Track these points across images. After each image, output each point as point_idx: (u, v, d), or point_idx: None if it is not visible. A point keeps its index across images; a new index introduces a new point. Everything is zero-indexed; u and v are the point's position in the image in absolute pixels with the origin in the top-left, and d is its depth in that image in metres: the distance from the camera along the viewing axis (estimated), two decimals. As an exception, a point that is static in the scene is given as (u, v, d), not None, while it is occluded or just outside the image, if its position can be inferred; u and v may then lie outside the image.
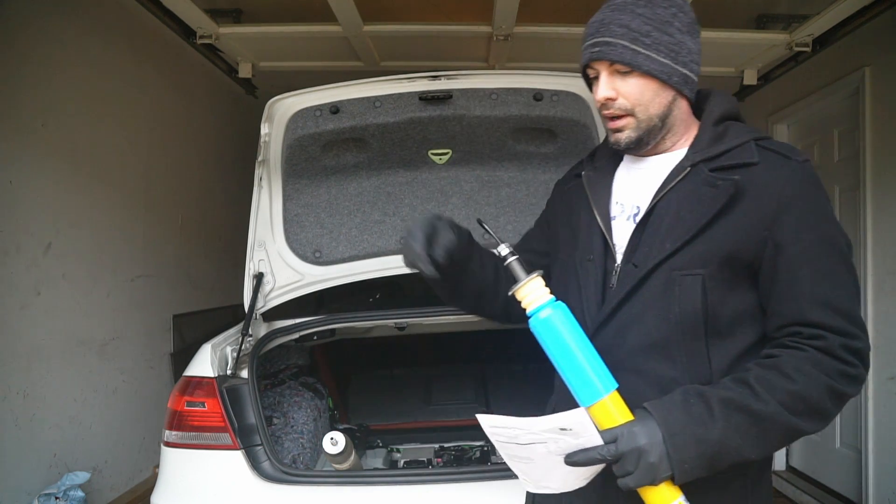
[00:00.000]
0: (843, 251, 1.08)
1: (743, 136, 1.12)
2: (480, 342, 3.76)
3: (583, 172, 1.28)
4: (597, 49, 1.11)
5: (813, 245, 1.05)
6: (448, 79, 2.26)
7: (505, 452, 1.06)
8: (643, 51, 1.09)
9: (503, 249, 1.14)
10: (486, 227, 1.20)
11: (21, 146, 2.83)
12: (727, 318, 1.08)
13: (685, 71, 1.12)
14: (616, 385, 1.04)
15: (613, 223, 1.20)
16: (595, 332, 1.12)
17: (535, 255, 1.39)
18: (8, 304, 2.77)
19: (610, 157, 1.25)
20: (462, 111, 2.29)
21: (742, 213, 1.06)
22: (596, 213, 1.20)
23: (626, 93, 1.12)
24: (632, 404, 1.04)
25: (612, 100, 1.13)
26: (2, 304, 2.73)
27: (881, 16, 3.12)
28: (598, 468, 1.03)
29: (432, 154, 2.47)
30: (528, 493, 1.34)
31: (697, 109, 1.20)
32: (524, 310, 1.11)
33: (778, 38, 3.42)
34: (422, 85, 2.26)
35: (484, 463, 2.91)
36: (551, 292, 1.12)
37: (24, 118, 2.86)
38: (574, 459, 0.99)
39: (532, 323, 1.09)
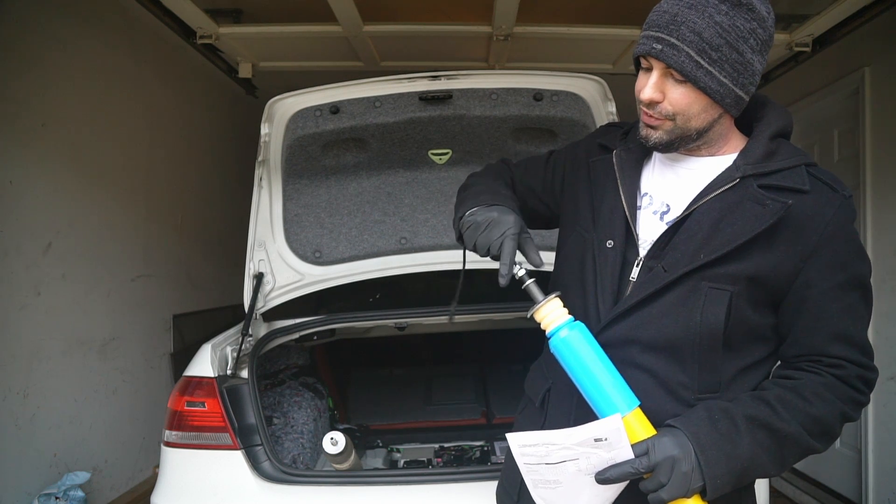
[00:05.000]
0: (867, 287, 1.10)
1: (795, 158, 1.09)
2: (480, 342, 3.76)
3: (615, 151, 1.23)
4: (658, 47, 1.03)
5: (843, 283, 1.07)
6: (448, 79, 2.26)
7: (531, 478, 1.05)
8: (706, 65, 1.01)
9: (519, 271, 1.13)
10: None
11: (21, 146, 2.83)
12: (742, 334, 1.08)
13: (741, 93, 1.06)
14: (638, 402, 1.04)
15: (639, 213, 1.17)
16: (608, 325, 1.12)
17: (535, 199, 1.39)
18: (8, 304, 2.77)
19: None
20: (462, 111, 2.29)
21: (784, 239, 1.05)
22: (623, 198, 1.17)
23: (673, 99, 1.06)
24: (641, 402, 1.05)
25: (657, 102, 1.07)
26: (2, 304, 2.73)
27: (881, 16, 3.12)
28: (619, 491, 1.03)
29: (432, 154, 2.47)
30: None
31: (745, 114, 1.15)
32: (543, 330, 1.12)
33: (778, 38, 3.41)
34: (422, 85, 2.26)
35: (484, 463, 2.91)
36: (563, 268, 1.13)
37: (25, 118, 2.86)
38: (606, 476, 0.98)
39: (552, 343, 1.10)
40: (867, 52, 3.26)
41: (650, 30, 1.06)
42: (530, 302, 1.14)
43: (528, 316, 1.13)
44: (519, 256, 1.15)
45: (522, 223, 1.18)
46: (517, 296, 1.19)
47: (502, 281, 1.11)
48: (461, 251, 1.29)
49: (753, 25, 1.03)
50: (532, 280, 1.13)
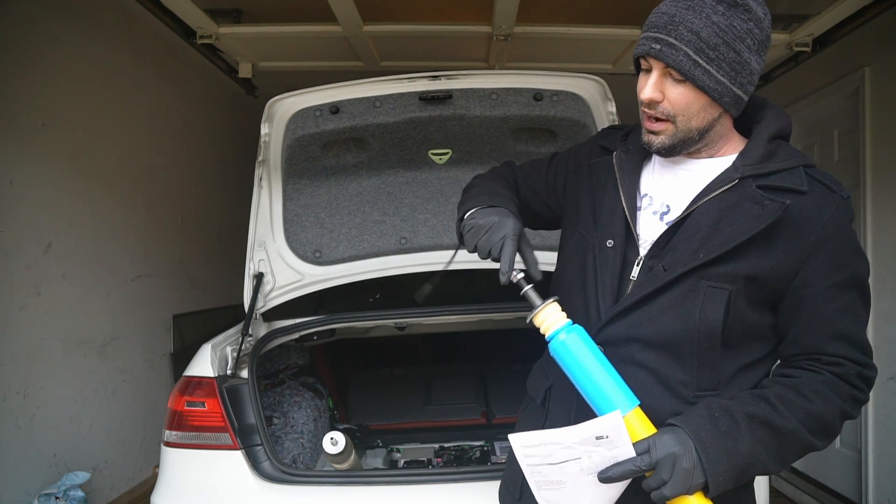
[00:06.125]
0: (865, 286, 1.11)
1: (793, 159, 1.10)
2: (480, 342, 3.76)
3: (615, 152, 1.25)
4: (657, 47, 1.05)
5: (840, 283, 1.07)
6: (448, 79, 2.26)
7: (534, 479, 1.05)
8: (704, 64, 1.03)
9: (517, 276, 1.15)
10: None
11: (21, 146, 2.83)
12: (741, 333, 1.09)
13: (739, 92, 1.07)
14: (638, 402, 1.05)
15: (639, 214, 1.19)
16: (608, 323, 1.13)
17: (538, 201, 1.41)
18: (8, 304, 2.77)
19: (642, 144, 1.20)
20: (462, 111, 2.29)
21: (782, 240, 1.06)
22: (623, 199, 1.18)
23: (672, 99, 1.07)
24: (639, 399, 1.05)
25: (657, 102, 1.08)
26: (2, 304, 2.73)
27: (881, 16, 3.12)
28: (622, 490, 1.04)
29: (432, 154, 2.47)
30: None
31: (744, 116, 1.16)
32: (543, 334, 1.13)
33: (778, 38, 3.41)
34: (422, 85, 2.26)
35: (484, 463, 2.91)
36: (565, 268, 1.15)
37: (24, 118, 2.86)
38: (608, 475, 0.99)
39: (551, 346, 1.11)
40: (867, 52, 3.26)
41: (649, 31, 1.08)
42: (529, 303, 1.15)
43: (528, 321, 1.14)
44: (518, 261, 1.17)
45: (521, 226, 1.20)
46: (517, 296, 1.20)
47: (503, 279, 1.14)
48: (461, 251, 1.31)
49: (750, 26, 1.04)
50: (530, 286, 1.15)
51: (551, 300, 1.13)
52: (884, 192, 3.18)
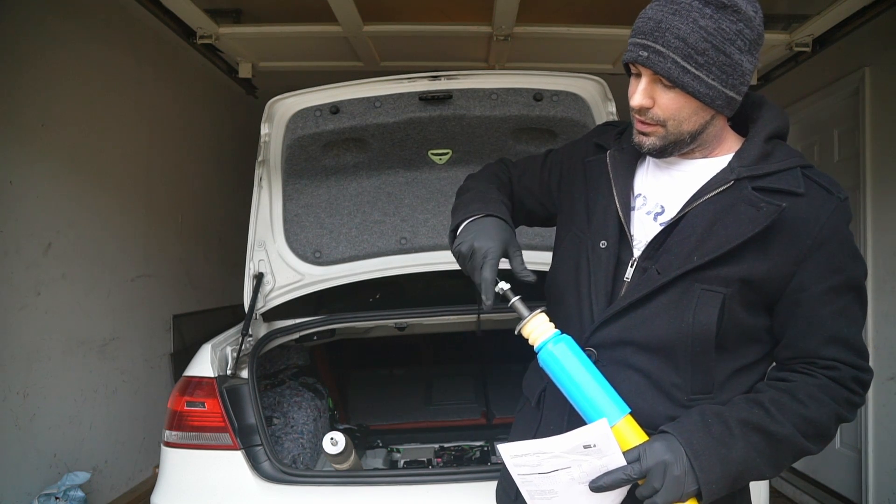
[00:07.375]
0: (862, 289, 1.10)
1: (790, 160, 1.08)
2: (480, 342, 3.76)
3: (609, 151, 1.24)
4: (645, 54, 1.03)
5: (837, 286, 1.06)
6: (448, 79, 2.26)
7: (526, 489, 1.05)
8: (693, 70, 1.01)
9: (503, 286, 1.13)
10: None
11: (21, 146, 2.83)
12: (735, 336, 1.08)
13: (731, 94, 1.05)
14: (629, 410, 1.04)
15: (633, 214, 1.17)
16: (601, 326, 1.12)
17: (532, 199, 1.40)
18: (8, 304, 2.77)
19: None
20: (462, 111, 2.29)
21: (778, 243, 1.04)
22: (616, 199, 1.17)
23: (663, 104, 1.06)
24: (633, 402, 1.05)
25: (647, 108, 1.07)
26: (2, 304, 2.73)
27: (881, 16, 3.12)
28: (618, 500, 1.03)
29: (432, 154, 2.47)
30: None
31: (741, 114, 1.15)
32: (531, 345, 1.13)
33: (778, 38, 3.42)
34: (422, 85, 2.26)
35: (484, 463, 2.91)
36: (560, 266, 1.14)
37: (24, 118, 2.86)
38: (599, 483, 0.98)
39: (540, 357, 1.10)
40: (867, 52, 3.26)
41: (636, 37, 1.06)
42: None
43: (516, 332, 1.13)
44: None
45: (507, 236, 1.18)
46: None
47: (486, 303, 1.12)
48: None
49: (740, 27, 1.02)
50: (517, 298, 1.13)
51: (538, 311, 1.12)
52: (884, 192, 3.18)
